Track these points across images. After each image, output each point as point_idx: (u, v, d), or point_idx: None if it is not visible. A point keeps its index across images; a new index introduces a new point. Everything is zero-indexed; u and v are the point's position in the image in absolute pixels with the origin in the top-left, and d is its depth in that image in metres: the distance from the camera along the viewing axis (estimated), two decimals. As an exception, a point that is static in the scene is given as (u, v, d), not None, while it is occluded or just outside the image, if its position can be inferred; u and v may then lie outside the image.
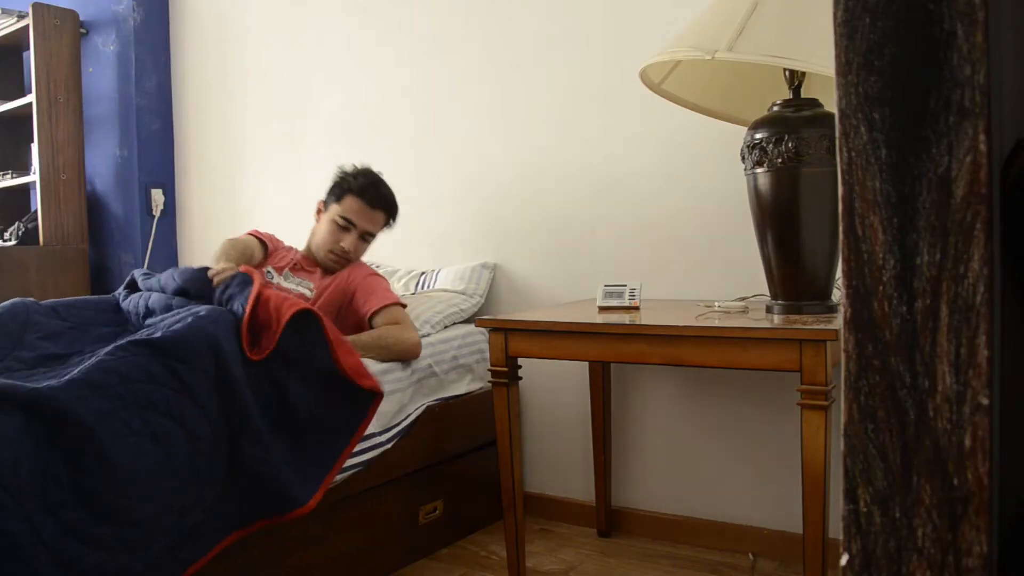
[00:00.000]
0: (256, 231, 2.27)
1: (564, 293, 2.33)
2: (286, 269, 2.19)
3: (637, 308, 1.81)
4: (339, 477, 1.74)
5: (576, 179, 2.31)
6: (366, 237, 2.19)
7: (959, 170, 0.46)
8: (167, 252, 3.38)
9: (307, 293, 2.14)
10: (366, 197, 2.15)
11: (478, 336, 2.27)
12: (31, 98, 3.21)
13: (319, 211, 2.24)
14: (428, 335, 2.26)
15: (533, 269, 2.41)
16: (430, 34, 2.61)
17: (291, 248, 2.30)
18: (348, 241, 2.15)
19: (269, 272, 2.16)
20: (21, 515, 1.18)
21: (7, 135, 3.66)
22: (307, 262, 2.23)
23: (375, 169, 2.24)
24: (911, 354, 0.48)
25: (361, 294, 2.11)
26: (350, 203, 2.15)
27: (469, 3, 2.51)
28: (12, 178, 3.46)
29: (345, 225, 2.15)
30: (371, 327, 2.04)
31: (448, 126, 2.57)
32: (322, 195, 2.27)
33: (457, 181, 2.56)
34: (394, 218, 2.23)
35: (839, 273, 0.52)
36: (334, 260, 2.17)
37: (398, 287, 2.49)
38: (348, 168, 2.23)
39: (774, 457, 2.01)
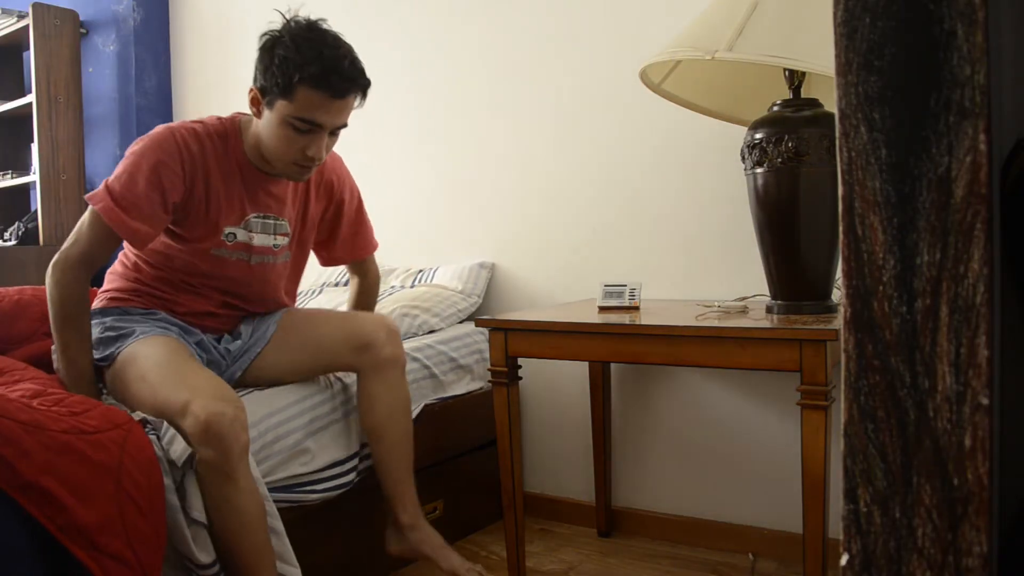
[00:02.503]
0: (116, 216, 1.52)
1: (564, 293, 2.33)
2: (249, 215, 1.66)
3: (637, 308, 1.81)
4: (340, 481, 1.75)
5: (576, 178, 2.31)
6: (336, 132, 1.60)
7: (959, 170, 0.46)
8: (167, 252, 3.38)
9: (286, 242, 1.75)
10: (330, 87, 1.50)
11: (477, 336, 2.27)
12: (31, 98, 3.21)
13: (256, 103, 1.58)
14: (436, 330, 2.26)
15: (533, 269, 2.41)
16: (430, 33, 2.61)
17: (199, 131, 1.61)
18: (315, 148, 1.56)
19: (230, 234, 1.65)
20: None
21: (7, 135, 3.65)
22: (259, 179, 1.66)
23: (318, 20, 1.59)
24: (911, 354, 0.48)
25: (348, 229, 1.89)
26: (307, 98, 1.50)
27: (469, 3, 2.51)
28: (12, 178, 3.46)
29: (308, 128, 1.54)
30: (345, 262, 1.95)
31: (448, 125, 2.57)
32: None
33: (457, 180, 2.55)
34: (367, 93, 1.60)
35: (839, 273, 0.52)
36: (300, 171, 1.61)
37: (395, 284, 2.49)
38: (280, 31, 1.53)
39: (774, 457, 2.01)
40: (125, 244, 1.69)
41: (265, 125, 1.57)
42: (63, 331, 1.55)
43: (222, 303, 1.74)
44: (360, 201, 1.93)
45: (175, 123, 1.62)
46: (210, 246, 1.65)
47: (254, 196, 1.67)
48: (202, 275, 1.69)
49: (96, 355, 1.61)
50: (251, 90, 1.58)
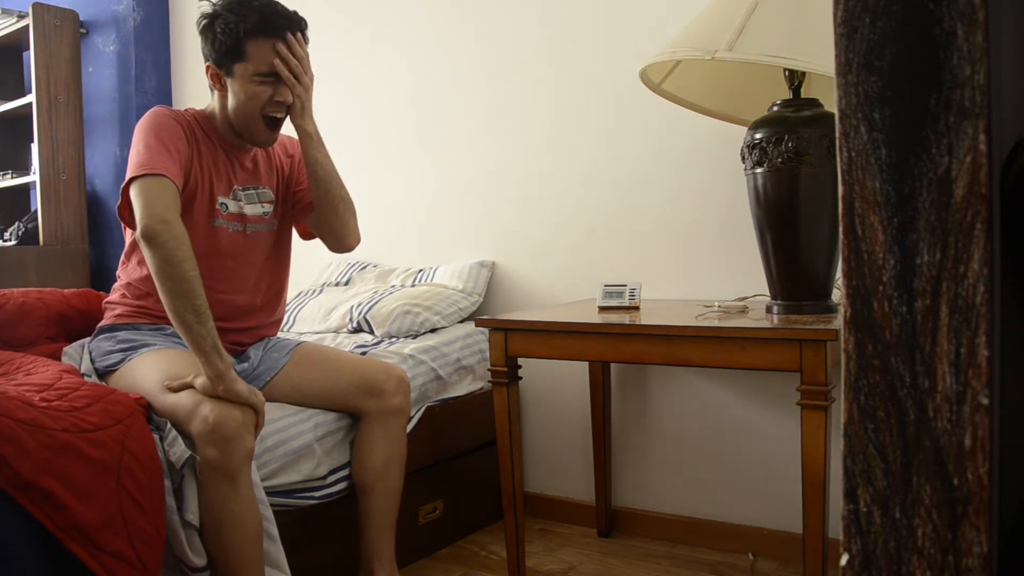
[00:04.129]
0: (159, 169, 1.53)
1: (564, 293, 2.33)
2: (235, 187, 1.73)
3: (637, 308, 1.81)
4: (340, 487, 1.76)
5: (576, 179, 2.31)
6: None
7: (959, 170, 0.46)
8: (167, 252, 3.38)
9: (272, 209, 1.80)
10: (274, 30, 1.60)
11: (479, 336, 2.27)
12: (31, 98, 3.21)
13: (216, 78, 1.67)
14: (437, 328, 2.27)
15: (533, 268, 2.41)
16: (430, 34, 2.61)
17: (184, 121, 1.67)
18: (282, 92, 1.64)
19: (223, 204, 1.70)
20: None
21: (7, 135, 3.65)
22: (235, 153, 1.74)
23: None
24: (911, 354, 0.48)
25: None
26: (258, 50, 1.60)
27: (470, 4, 2.51)
28: (12, 178, 3.46)
29: (271, 80, 1.63)
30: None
31: (448, 126, 2.57)
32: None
33: (457, 181, 2.55)
34: (306, 32, 1.69)
35: (839, 273, 0.52)
36: (269, 128, 1.68)
37: (396, 284, 2.49)
38: (211, 9, 1.63)
39: (774, 457, 2.01)
40: (120, 270, 1.75)
41: (231, 95, 1.66)
42: (186, 305, 1.45)
43: (221, 303, 1.70)
44: None
45: (161, 106, 1.69)
46: (210, 218, 1.69)
47: (235, 169, 1.74)
48: (201, 261, 1.64)
49: (107, 363, 1.62)
50: (208, 67, 1.67)
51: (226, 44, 1.60)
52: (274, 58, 1.61)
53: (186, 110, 1.73)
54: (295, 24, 1.64)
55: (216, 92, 1.69)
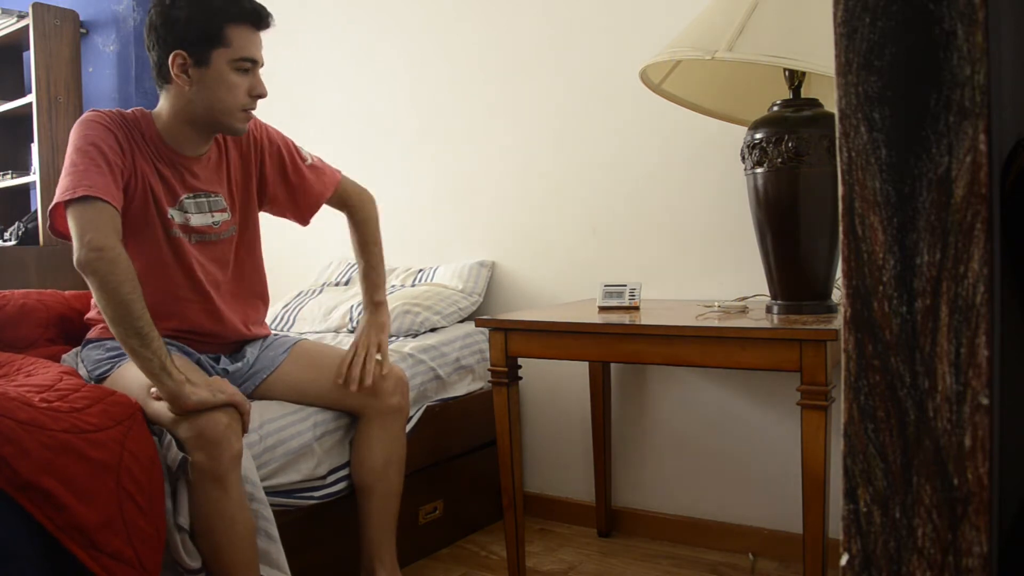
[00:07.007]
0: (96, 192, 1.43)
1: (564, 293, 2.33)
2: (182, 197, 1.62)
3: (637, 308, 1.81)
4: (340, 487, 1.76)
5: (576, 178, 2.31)
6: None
7: (959, 170, 0.46)
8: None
9: (227, 216, 1.70)
10: (259, 19, 1.58)
11: (479, 336, 2.27)
12: (31, 98, 3.20)
13: (183, 69, 1.53)
14: (437, 328, 2.26)
15: (533, 269, 2.41)
16: (430, 34, 2.61)
17: (124, 135, 1.55)
18: (260, 85, 1.59)
19: (172, 215, 1.61)
20: None
21: (7, 135, 3.65)
22: (180, 160, 1.62)
23: None
24: (911, 354, 0.48)
25: (295, 174, 1.80)
26: (240, 37, 1.54)
27: (470, 3, 2.51)
28: (12, 178, 3.46)
29: (248, 67, 1.56)
30: (317, 207, 1.86)
31: (448, 125, 2.57)
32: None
33: (457, 180, 2.55)
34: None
35: (839, 273, 0.52)
36: (245, 118, 1.61)
37: (396, 283, 2.49)
38: None
39: (774, 457, 2.01)
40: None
41: (207, 83, 1.54)
42: (127, 330, 1.39)
43: (206, 313, 1.67)
44: (294, 145, 1.85)
45: (95, 110, 1.59)
46: (164, 229, 1.61)
47: (181, 177, 1.63)
48: (160, 272, 1.60)
49: (98, 371, 1.61)
50: (177, 55, 1.52)
51: (203, 30, 1.50)
52: (253, 47, 1.56)
53: (134, 110, 1.62)
54: (270, 15, 1.61)
55: (172, 87, 1.56)
